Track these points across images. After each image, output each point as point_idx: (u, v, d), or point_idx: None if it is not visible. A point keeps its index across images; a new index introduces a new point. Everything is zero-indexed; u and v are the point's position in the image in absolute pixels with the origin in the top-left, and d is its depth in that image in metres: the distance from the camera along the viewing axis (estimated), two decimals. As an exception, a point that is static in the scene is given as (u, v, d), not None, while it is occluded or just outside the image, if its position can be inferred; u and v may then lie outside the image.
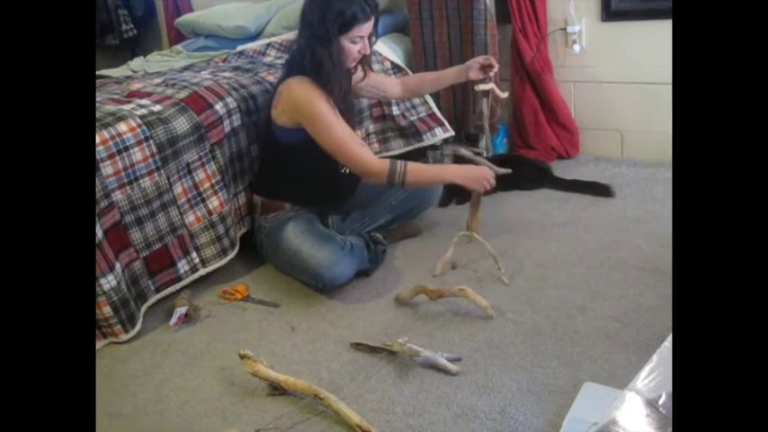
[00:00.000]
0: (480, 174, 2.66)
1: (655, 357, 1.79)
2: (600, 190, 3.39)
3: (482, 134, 2.92)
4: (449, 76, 3.07)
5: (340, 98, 2.66)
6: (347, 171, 2.78)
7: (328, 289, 2.63)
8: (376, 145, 3.54)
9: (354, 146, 2.61)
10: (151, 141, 2.56)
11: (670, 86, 3.41)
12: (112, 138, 2.46)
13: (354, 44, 2.61)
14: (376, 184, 2.73)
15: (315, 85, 2.58)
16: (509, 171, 2.74)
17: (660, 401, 1.66)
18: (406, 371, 2.10)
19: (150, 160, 2.56)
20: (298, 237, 2.66)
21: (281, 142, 2.70)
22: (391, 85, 3.15)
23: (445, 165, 2.80)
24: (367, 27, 2.61)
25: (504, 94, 2.93)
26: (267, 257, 2.85)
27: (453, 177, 2.69)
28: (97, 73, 4.11)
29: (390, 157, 3.26)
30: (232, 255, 2.80)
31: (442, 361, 2.08)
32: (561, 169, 3.71)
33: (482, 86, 2.80)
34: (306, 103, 2.57)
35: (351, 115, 2.81)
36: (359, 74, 2.85)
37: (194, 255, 2.70)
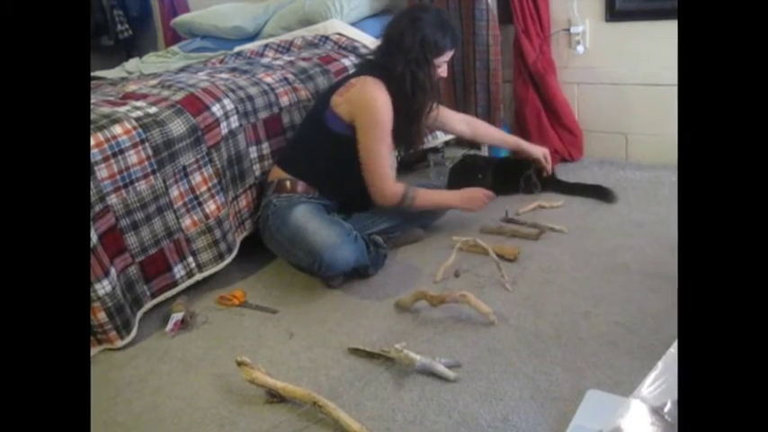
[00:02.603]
0: (476, 196, 2.99)
1: (660, 364, 1.78)
2: (603, 194, 3.39)
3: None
4: (511, 143, 3.44)
5: (424, 120, 2.93)
6: None
7: (324, 272, 2.67)
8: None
9: (386, 167, 2.79)
10: (147, 144, 2.56)
11: (675, 88, 3.43)
12: (107, 140, 2.46)
13: (439, 68, 2.84)
14: None
15: (389, 96, 2.74)
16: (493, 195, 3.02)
17: (665, 409, 1.66)
18: (407, 377, 2.10)
19: (146, 163, 2.56)
20: (306, 215, 2.73)
21: (330, 129, 2.80)
22: (456, 121, 3.33)
23: (445, 191, 3.06)
24: (451, 53, 2.86)
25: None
26: (268, 234, 2.84)
27: (453, 202, 3.02)
28: (92, 74, 4.12)
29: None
30: (229, 259, 2.80)
31: (440, 368, 2.08)
32: (565, 172, 3.71)
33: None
34: (374, 107, 2.72)
35: (416, 138, 3.03)
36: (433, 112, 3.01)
37: (191, 259, 2.70)
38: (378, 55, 2.87)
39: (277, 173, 2.89)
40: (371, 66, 2.86)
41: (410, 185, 2.84)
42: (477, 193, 2.98)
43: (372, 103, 2.71)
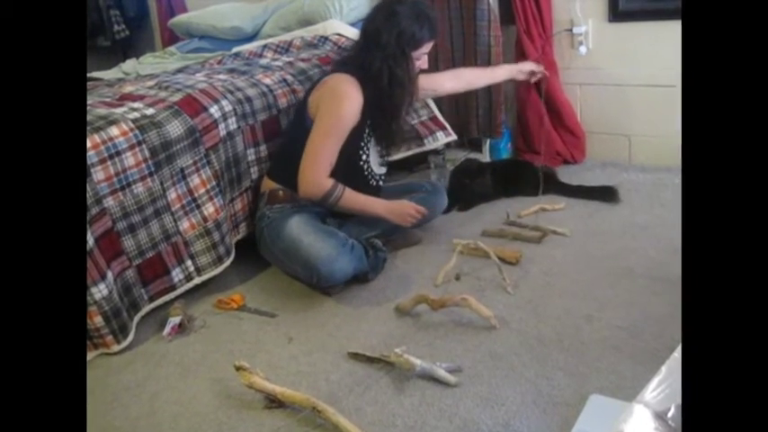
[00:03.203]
0: (404, 209, 2.85)
1: (663, 369, 1.78)
2: (607, 195, 3.39)
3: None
4: (501, 74, 3.46)
5: (405, 113, 2.93)
6: (375, 182, 2.98)
7: (323, 285, 2.66)
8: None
9: (324, 161, 2.72)
10: (144, 146, 2.56)
11: (679, 89, 3.43)
12: (104, 142, 2.47)
13: (418, 60, 2.83)
14: (387, 192, 2.94)
15: (360, 95, 2.73)
16: (426, 211, 2.93)
17: (669, 414, 1.66)
18: (407, 382, 2.11)
19: (143, 165, 2.56)
20: (300, 228, 2.71)
21: (309, 130, 2.77)
22: (441, 81, 3.35)
23: (374, 198, 2.89)
24: (430, 44, 2.84)
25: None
26: (264, 247, 2.85)
27: (378, 209, 2.84)
28: (88, 75, 4.13)
29: (390, 161, 3.28)
30: (228, 262, 2.81)
31: (441, 372, 2.09)
32: (567, 174, 3.72)
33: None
34: (340, 101, 2.72)
35: (397, 136, 3.02)
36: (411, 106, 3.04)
37: (189, 263, 2.70)
38: (355, 51, 2.87)
39: (268, 183, 2.89)
40: (348, 63, 2.86)
41: (339, 184, 2.74)
42: (406, 208, 2.85)
43: (339, 97, 2.71)
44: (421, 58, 2.83)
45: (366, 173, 2.93)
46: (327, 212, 2.89)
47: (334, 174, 2.74)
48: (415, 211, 2.86)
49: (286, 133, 3.03)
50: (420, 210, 2.88)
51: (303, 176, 2.72)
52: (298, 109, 2.95)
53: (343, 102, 2.70)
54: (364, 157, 2.89)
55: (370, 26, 2.78)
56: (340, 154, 2.74)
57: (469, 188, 3.49)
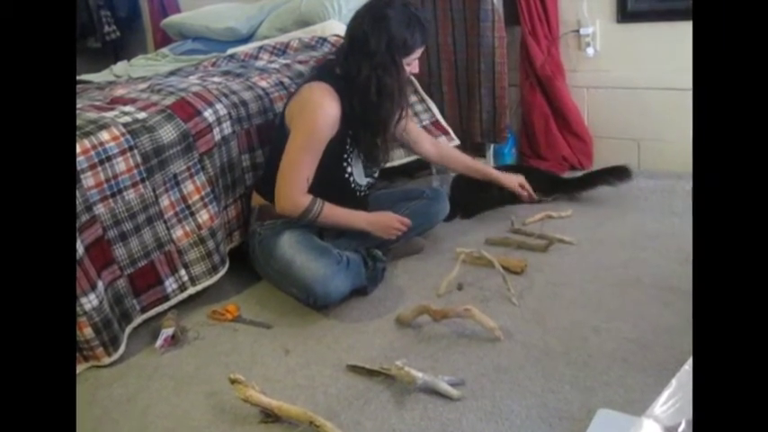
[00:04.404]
0: (386, 222, 2.86)
1: (674, 382, 1.79)
2: (617, 174, 3.41)
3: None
4: (481, 172, 3.33)
5: (393, 128, 2.82)
6: (360, 194, 2.93)
7: (320, 305, 2.65)
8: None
9: (300, 176, 2.67)
10: (135, 151, 2.57)
11: (690, 92, 3.44)
12: (94, 147, 2.48)
13: (408, 66, 2.75)
14: (380, 201, 2.92)
15: (336, 103, 2.66)
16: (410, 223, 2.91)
17: (680, 429, 1.67)
18: (408, 396, 2.11)
19: (135, 171, 2.57)
20: (293, 246, 2.69)
21: None
22: (424, 140, 3.25)
23: (356, 212, 2.86)
24: (422, 50, 2.77)
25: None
26: (258, 266, 2.86)
27: (360, 223, 2.84)
28: (78, 78, 4.14)
29: (391, 167, 3.28)
30: (223, 272, 2.81)
31: (443, 385, 2.09)
32: (574, 181, 3.72)
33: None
34: (314, 112, 2.64)
35: (383, 152, 2.91)
36: (402, 121, 2.90)
37: (183, 272, 2.71)
38: (340, 57, 2.77)
39: (257, 198, 2.88)
40: (329, 70, 2.79)
41: (318, 200, 2.70)
42: (388, 220, 2.87)
43: (312, 108, 2.64)
44: (412, 63, 2.77)
45: (352, 185, 2.88)
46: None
47: (317, 187, 2.71)
48: (399, 223, 2.85)
49: (271, 146, 2.95)
50: (404, 222, 2.87)
51: (279, 194, 2.69)
52: (278, 123, 2.88)
53: (317, 113, 2.64)
54: (349, 169, 2.83)
55: (358, 30, 2.68)
56: (322, 168, 2.69)
57: (475, 193, 3.49)
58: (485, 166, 3.44)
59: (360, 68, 2.64)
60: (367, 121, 2.72)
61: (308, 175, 2.67)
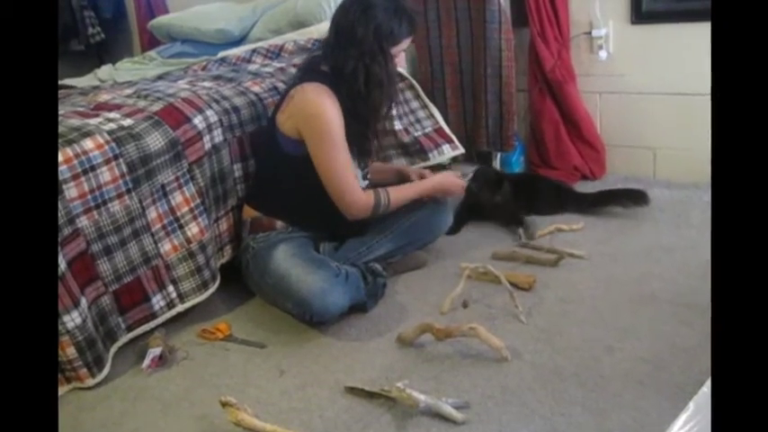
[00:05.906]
0: (450, 185, 3.07)
1: (691, 405, 1.79)
2: (633, 197, 3.41)
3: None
4: (407, 175, 3.24)
5: (383, 119, 2.92)
6: None
7: (317, 321, 2.65)
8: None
9: (350, 176, 2.74)
10: (121, 160, 2.57)
11: (708, 98, 3.44)
12: (77, 156, 2.48)
13: (396, 57, 2.82)
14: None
15: (333, 98, 2.69)
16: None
17: (697, 455, 1.67)
18: (410, 420, 2.11)
19: (120, 181, 2.57)
20: (288, 260, 2.70)
21: (285, 152, 2.76)
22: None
23: (415, 184, 3.00)
24: (408, 41, 2.85)
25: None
26: (252, 282, 2.86)
27: (427, 191, 3.00)
28: (60, 82, 4.14)
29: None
30: (213, 288, 2.82)
31: (447, 408, 2.09)
32: (586, 191, 3.72)
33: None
34: (319, 114, 2.67)
35: (373, 144, 3.01)
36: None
37: (171, 288, 2.71)
38: (327, 50, 2.82)
39: (248, 211, 2.90)
40: (314, 69, 2.83)
41: (378, 189, 2.80)
42: (451, 183, 3.07)
43: (316, 110, 2.67)
44: (398, 55, 2.83)
45: None
46: (320, 236, 2.91)
47: (319, 197, 2.75)
48: (459, 181, 3.07)
49: (261, 156, 2.98)
50: (462, 184, 3.09)
51: (345, 205, 2.76)
52: (268, 129, 2.89)
53: (323, 113, 2.66)
54: None
55: (343, 21, 2.74)
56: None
57: (488, 200, 3.49)
58: (410, 169, 3.37)
59: (347, 59, 2.71)
60: (357, 113, 2.77)
61: (351, 170, 2.76)
